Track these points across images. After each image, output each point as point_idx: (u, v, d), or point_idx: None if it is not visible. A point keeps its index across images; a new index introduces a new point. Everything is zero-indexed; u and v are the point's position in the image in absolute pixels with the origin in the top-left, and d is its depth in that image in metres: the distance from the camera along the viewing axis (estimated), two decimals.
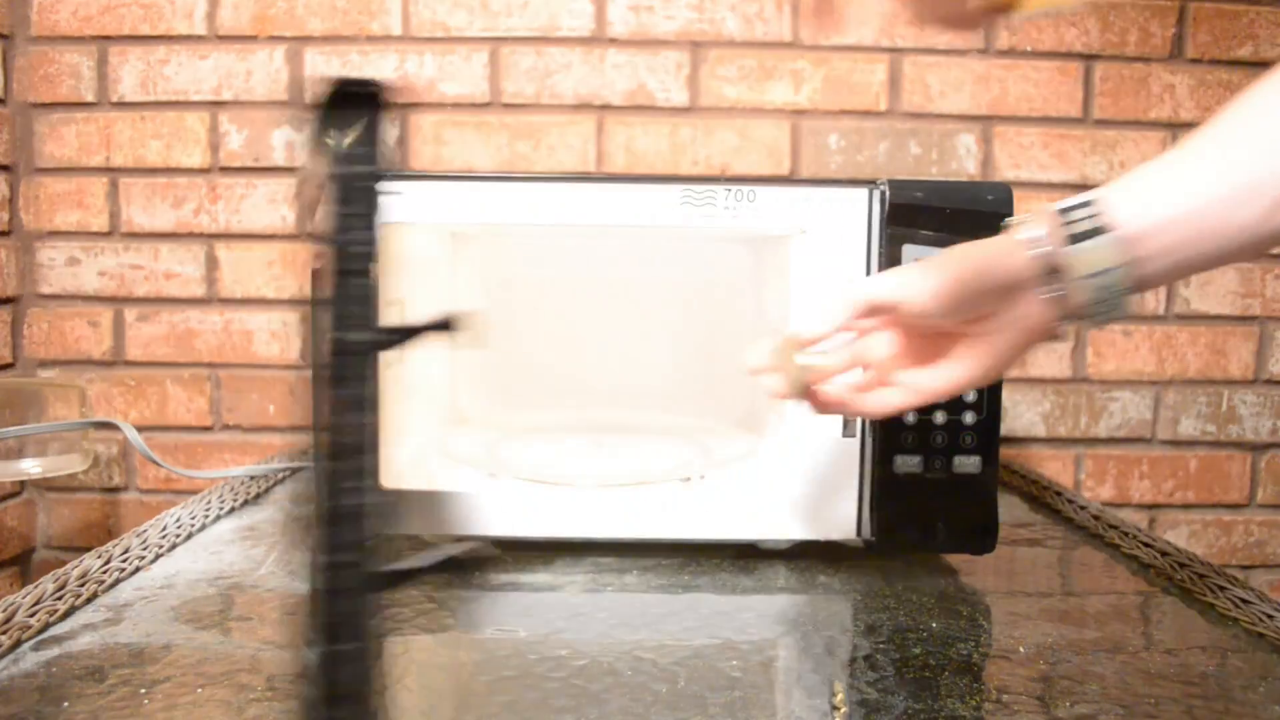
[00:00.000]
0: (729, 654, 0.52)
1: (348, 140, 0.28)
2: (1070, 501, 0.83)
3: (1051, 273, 0.45)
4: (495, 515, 0.66)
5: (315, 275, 0.33)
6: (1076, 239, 0.45)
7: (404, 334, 0.30)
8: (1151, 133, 1.10)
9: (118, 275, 1.10)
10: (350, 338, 0.28)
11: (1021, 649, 0.53)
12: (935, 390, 0.50)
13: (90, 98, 1.08)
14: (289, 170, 1.10)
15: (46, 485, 1.13)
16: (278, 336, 1.11)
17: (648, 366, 0.92)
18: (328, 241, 0.28)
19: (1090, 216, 0.45)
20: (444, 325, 0.32)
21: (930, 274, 0.47)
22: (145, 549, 0.65)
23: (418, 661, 0.51)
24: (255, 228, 1.10)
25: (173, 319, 1.11)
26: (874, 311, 0.50)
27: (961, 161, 1.08)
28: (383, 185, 0.29)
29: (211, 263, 1.10)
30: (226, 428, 1.12)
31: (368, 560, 0.30)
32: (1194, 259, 0.44)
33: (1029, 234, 0.46)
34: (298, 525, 0.29)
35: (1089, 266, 0.45)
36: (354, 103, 0.28)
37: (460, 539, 0.68)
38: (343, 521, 0.29)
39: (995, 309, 0.47)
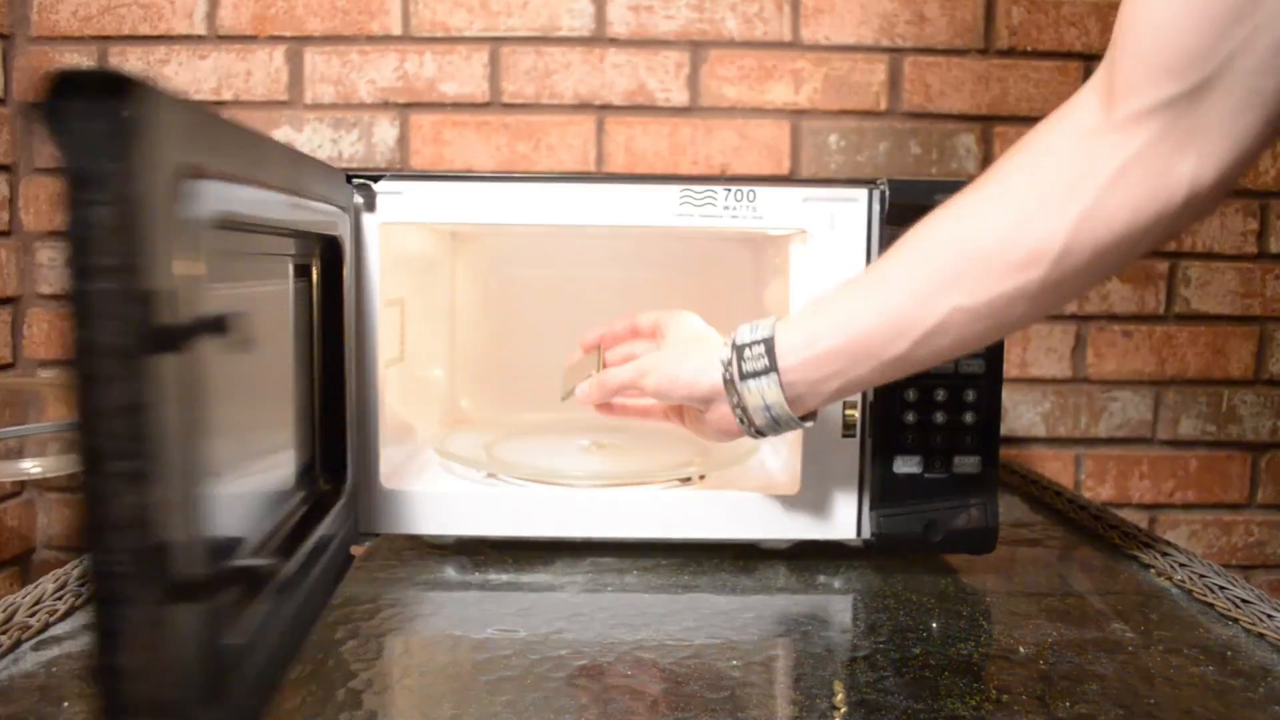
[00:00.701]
0: (729, 654, 0.52)
1: (85, 129, 0.26)
2: (1070, 501, 0.83)
3: (735, 394, 0.55)
4: (495, 515, 0.66)
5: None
6: (746, 376, 0.54)
7: (176, 334, 0.29)
8: None
9: None
10: (105, 338, 0.27)
11: (1021, 649, 0.53)
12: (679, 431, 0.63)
13: None
14: None
15: (46, 485, 1.13)
16: None
17: None
18: (72, 239, 0.26)
19: (760, 356, 0.53)
20: (217, 326, 0.30)
21: (652, 374, 0.59)
22: None
23: (418, 661, 0.51)
24: None
25: None
26: (627, 390, 0.62)
27: (961, 161, 1.08)
28: (132, 178, 0.27)
29: None
30: None
31: (149, 569, 0.28)
32: (853, 382, 0.53)
33: (723, 359, 0.55)
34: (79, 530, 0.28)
35: (758, 399, 0.54)
36: (91, 90, 0.27)
37: (461, 540, 0.68)
38: (117, 530, 0.27)
39: (701, 406, 0.58)
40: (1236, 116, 0.43)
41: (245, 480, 0.49)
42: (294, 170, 0.49)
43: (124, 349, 0.27)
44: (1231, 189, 0.46)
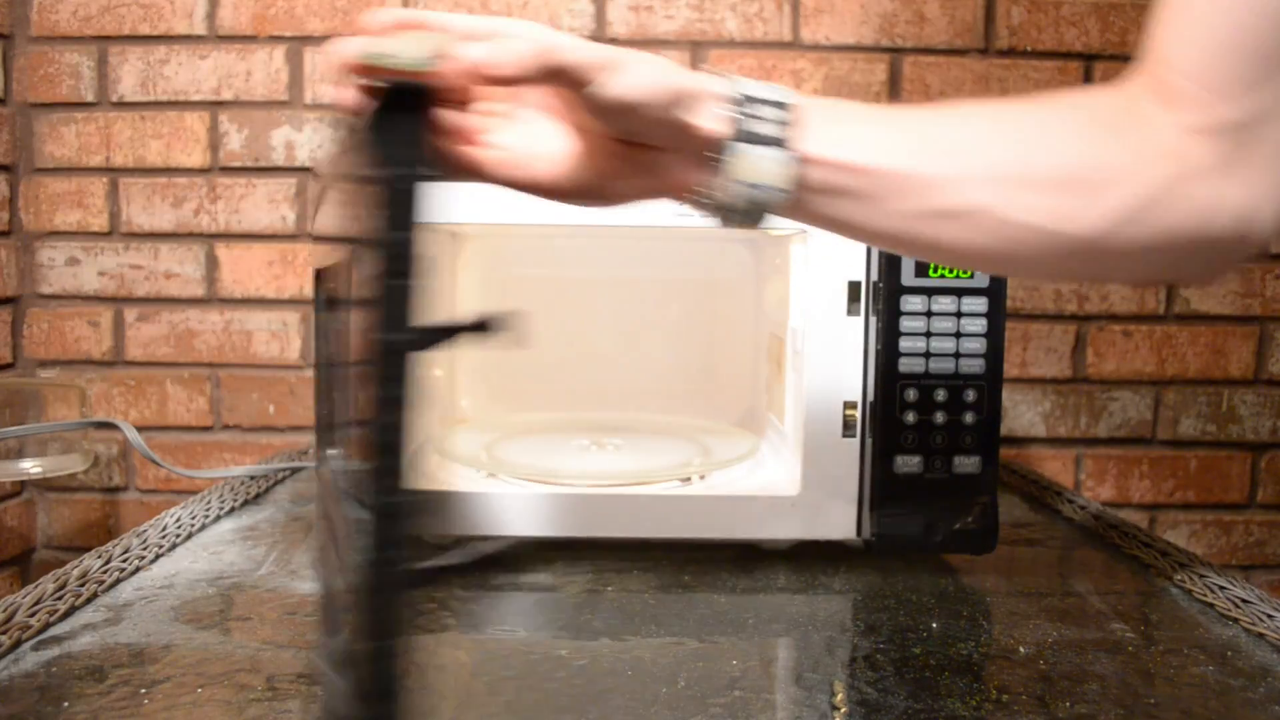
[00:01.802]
0: (729, 654, 0.52)
1: (391, 142, 0.28)
2: (1070, 501, 0.83)
3: (724, 151, 0.41)
4: (495, 515, 0.66)
5: (323, 273, 0.32)
6: (747, 137, 0.41)
7: (442, 333, 0.31)
8: None
9: (118, 275, 1.10)
10: (392, 338, 0.29)
11: (1021, 649, 0.53)
12: (539, 178, 0.43)
13: (90, 98, 1.08)
14: (289, 170, 1.10)
15: (46, 485, 1.13)
16: (278, 336, 1.11)
17: (648, 366, 0.92)
18: (370, 244, 0.28)
19: (774, 121, 0.41)
20: (481, 327, 0.32)
21: (630, 65, 0.40)
22: (145, 549, 0.65)
23: (417, 662, 0.51)
24: (255, 228, 1.10)
25: (173, 319, 1.11)
26: (556, 77, 0.40)
27: None
28: (424, 187, 0.28)
29: (211, 263, 1.10)
30: (226, 427, 1.12)
31: (405, 558, 0.31)
32: (841, 214, 0.43)
33: (723, 93, 0.41)
34: (322, 524, 0.29)
35: (749, 172, 0.41)
36: (399, 105, 0.28)
37: (474, 539, 0.68)
38: (383, 519, 0.30)
39: (659, 136, 0.41)
40: None
41: None
42: None
43: (403, 347, 0.29)
44: None
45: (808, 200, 0.43)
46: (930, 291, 0.63)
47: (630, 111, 0.40)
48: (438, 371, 0.89)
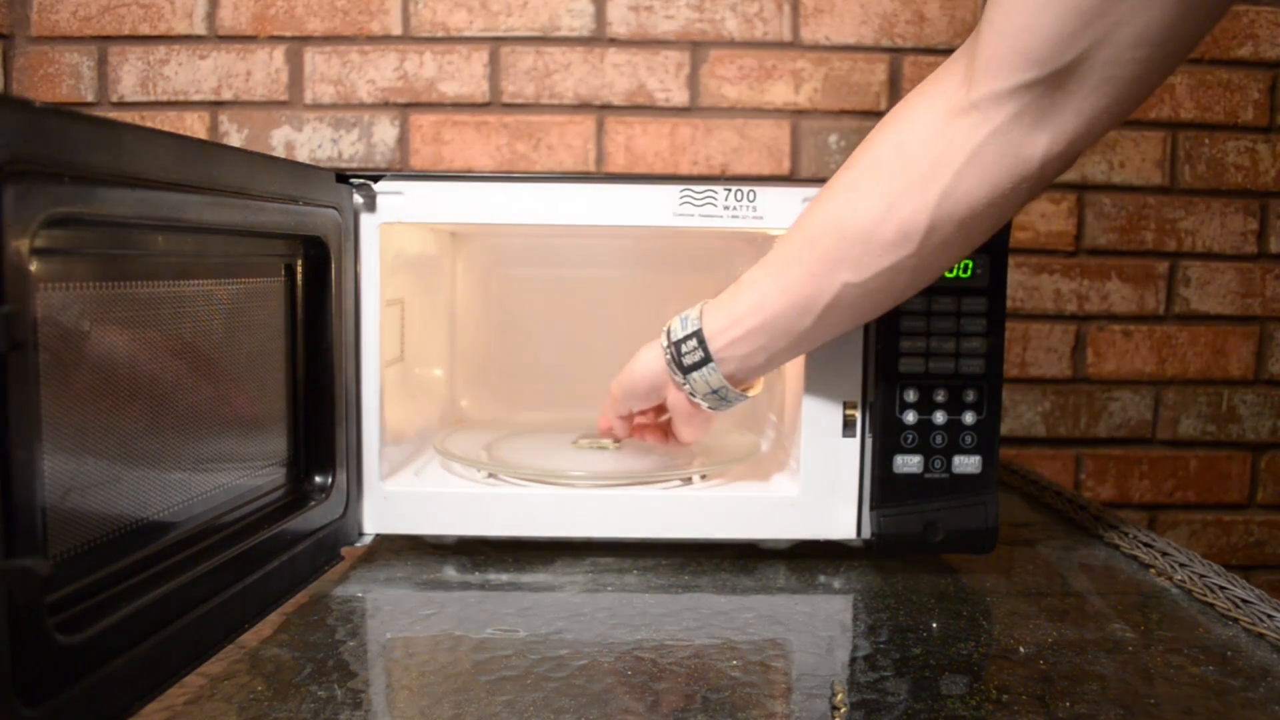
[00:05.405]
0: (729, 654, 0.52)
1: None
2: (1070, 501, 0.83)
3: (683, 382, 0.60)
4: (495, 515, 0.66)
5: None
6: (688, 369, 0.59)
7: None
8: (1151, 133, 1.10)
9: None
10: None
11: (1021, 649, 0.53)
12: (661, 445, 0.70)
13: (90, 98, 1.08)
14: None
15: None
16: None
17: None
18: None
19: (695, 349, 0.58)
20: None
21: (616, 381, 0.65)
22: None
23: (418, 661, 0.51)
24: None
25: None
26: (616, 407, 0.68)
27: None
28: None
29: None
30: None
31: None
32: (776, 356, 0.58)
33: (663, 346, 0.61)
34: None
35: (704, 386, 0.60)
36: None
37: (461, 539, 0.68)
38: None
39: (661, 394, 0.63)
40: (1089, 98, 0.46)
41: (157, 471, 0.49)
42: (220, 169, 0.48)
43: None
44: (1081, 154, 0.50)
45: (746, 369, 0.59)
46: (930, 291, 0.63)
47: (630, 395, 0.64)
48: (437, 371, 0.89)
